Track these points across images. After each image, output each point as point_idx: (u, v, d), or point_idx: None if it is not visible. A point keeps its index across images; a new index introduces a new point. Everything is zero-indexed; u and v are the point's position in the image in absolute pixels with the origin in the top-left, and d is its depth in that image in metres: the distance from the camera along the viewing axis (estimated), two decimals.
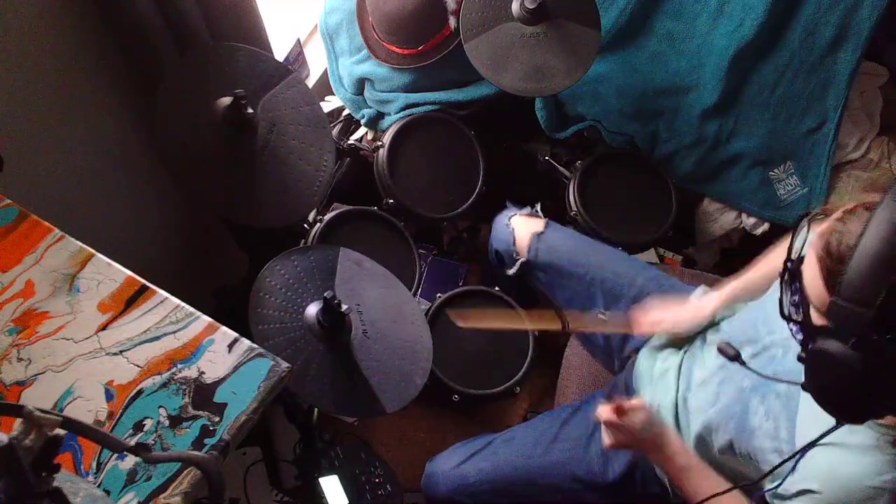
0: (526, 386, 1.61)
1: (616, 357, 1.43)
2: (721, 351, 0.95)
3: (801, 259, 0.86)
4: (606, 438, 1.10)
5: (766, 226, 1.84)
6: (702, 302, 1.26)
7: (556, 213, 1.57)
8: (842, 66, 1.75)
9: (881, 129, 1.83)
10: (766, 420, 0.98)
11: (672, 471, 1.09)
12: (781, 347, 1.01)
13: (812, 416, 0.90)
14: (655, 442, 1.07)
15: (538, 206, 1.58)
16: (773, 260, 1.22)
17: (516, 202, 1.63)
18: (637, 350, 1.36)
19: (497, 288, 1.65)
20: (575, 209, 1.67)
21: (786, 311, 0.86)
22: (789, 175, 1.80)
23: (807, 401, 0.89)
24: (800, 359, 0.83)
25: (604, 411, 1.08)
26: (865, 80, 1.84)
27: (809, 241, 0.85)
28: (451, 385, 1.50)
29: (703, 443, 1.12)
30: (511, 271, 1.51)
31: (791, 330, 0.89)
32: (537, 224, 1.49)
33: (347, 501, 1.35)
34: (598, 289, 1.40)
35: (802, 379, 0.86)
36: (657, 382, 1.25)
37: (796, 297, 0.86)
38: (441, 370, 1.50)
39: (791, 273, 0.87)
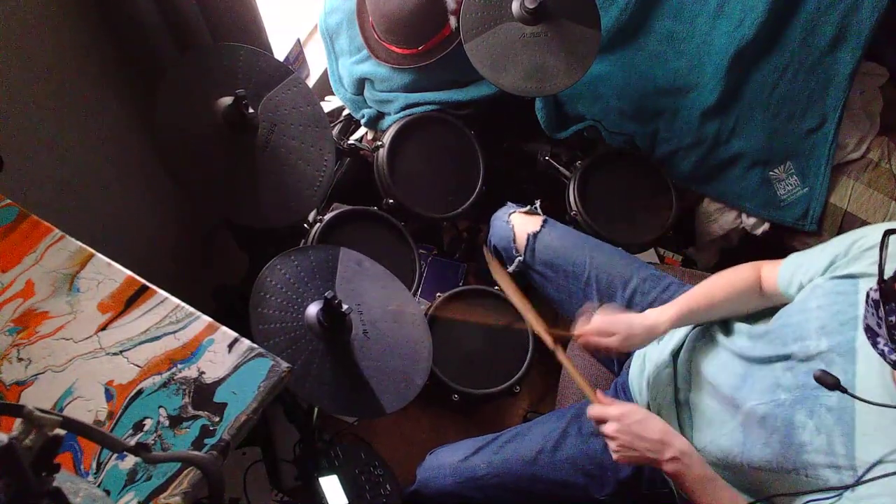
0: (526, 386, 1.61)
1: (615, 357, 1.43)
2: (819, 380, 0.88)
3: (894, 278, 0.83)
4: (613, 453, 1.07)
5: (766, 226, 1.84)
6: (655, 320, 1.18)
7: (556, 213, 1.57)
8: (842, 66, 1.75)
9: (881, 129, 1.83)
10: (818, 435, 0.94)
11: (686, 482, 1.03)
12: (823, 361, 0.96)
13: (875, 431, 0.88)
14: (661, 448, 1.02)
15: (537, 204, 1.58)
16: (735, 283, 1.18)
17: (516, 200, 1.63)
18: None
19: (497, 287, 1.65)
20: (575, 209, 1.67)
21: (882, 345, 0.82)
22: (789, 175, 1.80)
23: (865, 415, 0.88)
24: None
25: (591, 410, 1.09)
26: (865, 80, 1.84)
27: None
28: (451, 385, 1.50)
29: (725, 451, 1.07)
30: (510, 269, 1.51)
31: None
32: (535, 222, 1.49)
33: (347, 501, 1.35)
34: (594, 288, 1.40)
35: (854, 395, 0.86)
36: (653, 383, 1.25)
37: (893, 319, 0.83)
38: (441, 370, 1.50)
39: (885, 293, 0.83)
